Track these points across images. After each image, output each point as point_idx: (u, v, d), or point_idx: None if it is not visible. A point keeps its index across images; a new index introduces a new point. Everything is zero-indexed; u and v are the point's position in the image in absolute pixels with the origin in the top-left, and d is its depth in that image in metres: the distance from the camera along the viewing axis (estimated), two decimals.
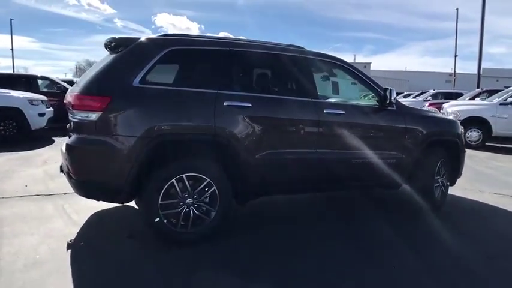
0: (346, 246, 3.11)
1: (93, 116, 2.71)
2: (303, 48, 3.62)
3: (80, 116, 2.77)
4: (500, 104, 9.79)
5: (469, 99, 12.90)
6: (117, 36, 3.06)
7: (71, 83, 11.65)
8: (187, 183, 2.92)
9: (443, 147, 4.16)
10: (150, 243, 2.99)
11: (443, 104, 11.32)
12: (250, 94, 3.19)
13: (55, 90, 10.58)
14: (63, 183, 4.82)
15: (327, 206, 4.27)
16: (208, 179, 2.97)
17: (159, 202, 2.84)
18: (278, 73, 3.55)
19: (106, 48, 3.30)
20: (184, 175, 2.90)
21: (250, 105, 3.09)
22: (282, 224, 3.57)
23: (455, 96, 15.22)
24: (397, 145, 3.82)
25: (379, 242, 3.24)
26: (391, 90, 3.68)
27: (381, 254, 2.98)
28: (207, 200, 3.03)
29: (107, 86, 2.78)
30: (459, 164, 4.36)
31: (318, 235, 3.33)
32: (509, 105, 9.67)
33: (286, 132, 3.30)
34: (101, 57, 3.72)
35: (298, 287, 2.47)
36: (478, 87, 15.36)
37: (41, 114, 8.22)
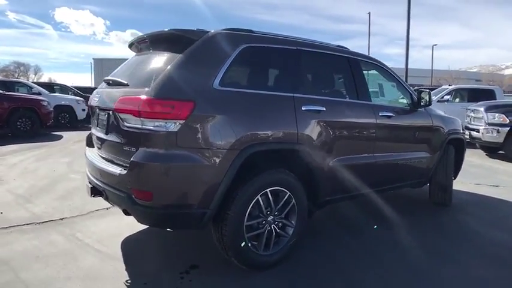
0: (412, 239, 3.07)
1: (173, 125, 2.19)
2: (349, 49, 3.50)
3: (153, 125, 2.22)
4: (438, 101, 11.02)
5: None
6: (177, 27, 2.54)
7: None
8: (270, 198, 2.58)
9: (454, 144, 4.42)
10: (222, 271, 2.58)
11: None
12: (322, 97, 2.95)
13: None
14: (48, 205, 3.95)
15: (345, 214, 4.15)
16: (288, 192, 2.67)
17: (245, 223, 2.46)
18: (341, 75, 3.36)
19: (152, 42, 2.75)
20: (268, 190, 2.55)
21: (324, 109, 2.86)
22: (338, 230, 3.39)
23: None
24: (428, 144, 3.95)
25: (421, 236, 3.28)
26: (429, 92, 3.77)
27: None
28: (284, 215, 2.73)
29: (187, 88, 2.27)
30: (462, 159, 4.69)
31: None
32: (446, 102, 10.97)
33: (353, 136, 3.13)
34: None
35: None
36: None
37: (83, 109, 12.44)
